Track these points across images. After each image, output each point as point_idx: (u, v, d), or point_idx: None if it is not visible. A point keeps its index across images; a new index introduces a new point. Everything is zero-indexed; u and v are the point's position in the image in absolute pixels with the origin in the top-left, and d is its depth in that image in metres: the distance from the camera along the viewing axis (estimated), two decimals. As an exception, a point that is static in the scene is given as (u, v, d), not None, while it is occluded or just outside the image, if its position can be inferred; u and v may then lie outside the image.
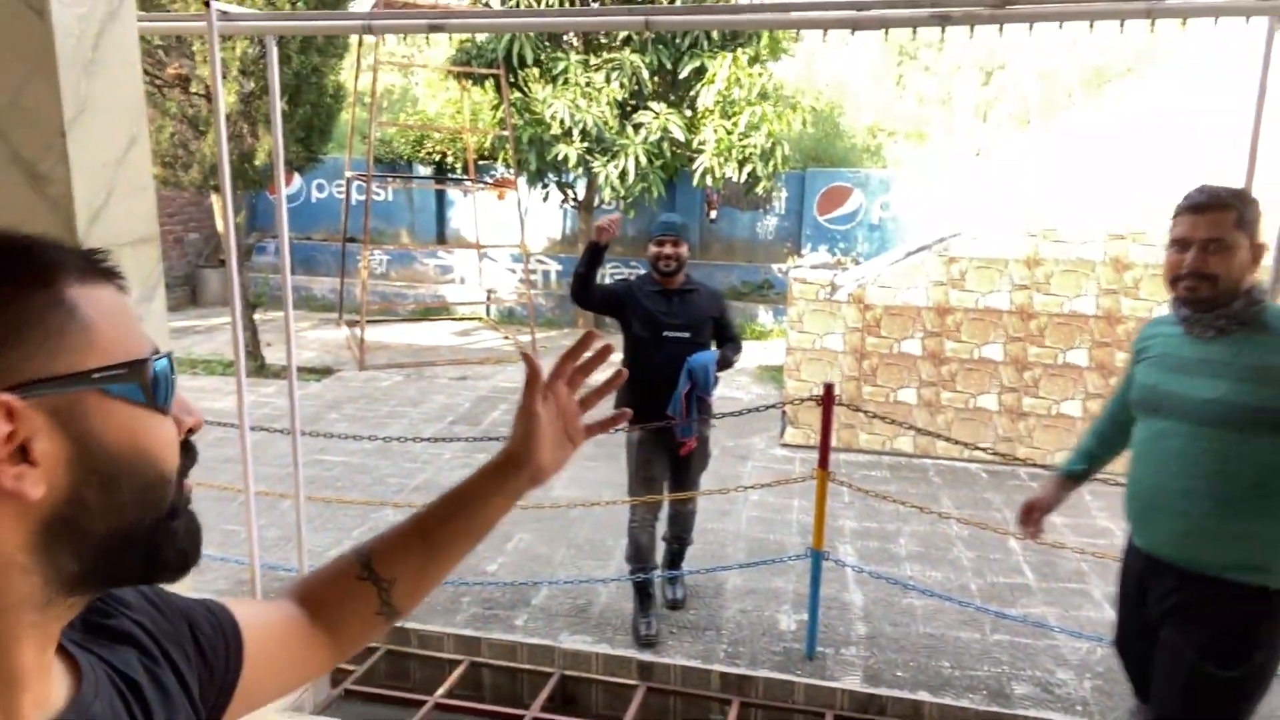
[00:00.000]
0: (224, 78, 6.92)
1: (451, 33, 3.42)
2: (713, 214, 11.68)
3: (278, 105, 3.54)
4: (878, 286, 6.58)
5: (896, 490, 5.87)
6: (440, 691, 3.89)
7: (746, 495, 5.73)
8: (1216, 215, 1.93)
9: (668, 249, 3.97)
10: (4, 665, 0.58)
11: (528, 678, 4.05)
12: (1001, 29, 3.04)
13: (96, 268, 0.62)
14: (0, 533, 0.55)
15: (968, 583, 4.76)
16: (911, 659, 4.04)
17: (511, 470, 0.96)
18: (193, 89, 7.14)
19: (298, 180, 13.14)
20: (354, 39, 8.63)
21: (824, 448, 3.84)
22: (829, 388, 3.79)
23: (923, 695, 3.78)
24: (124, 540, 0.60)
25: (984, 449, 4.71)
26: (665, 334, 3.93)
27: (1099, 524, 5.55)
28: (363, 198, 10.87)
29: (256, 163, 7.09)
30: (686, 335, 3.95)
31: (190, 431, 0.66)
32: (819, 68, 14.05)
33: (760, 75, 8.57)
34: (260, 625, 0.88)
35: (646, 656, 4.02)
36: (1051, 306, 6.31)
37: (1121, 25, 2.87)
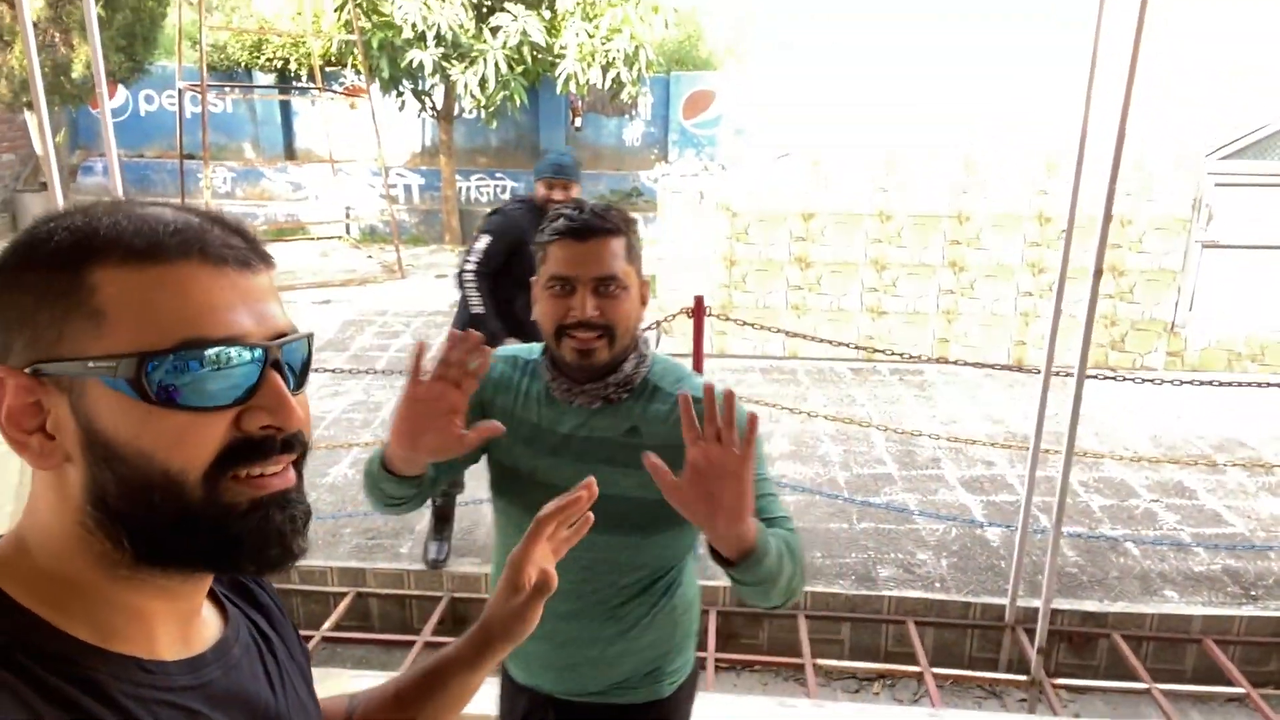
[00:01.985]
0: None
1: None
2: (577, 121, 11.44)
3: (93, 8, 3.19)
4: (746, 194, 6.64)
5: (769, 393, 6.08)
6: (327, 625, 3.85)
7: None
8: (608, 244, 1.42)
9: (557, 194, 3.59)
10: (128, 602, 0.62)
11: (416, 603, 4.06)
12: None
13: (158, 248, 0.58)
14: (60, 495, 0.60)
15: (835, 476, 5.02)
16: (787, 553, 4.26)
17: (495, 645, 0.92)
18: (-13, -9, 6.35)
19: (122, 92, 12.00)
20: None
21: (697, 357, 3.91)
22: (699, 300, 3.84)
23: (798, 586, 4.00)
24: (151, 531, 0.60)
25: (847, 344, 4.89)
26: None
27: (949, 410, 5.93)
28: (198, 110, 10.05)
29: (74, 75, 6.42)
30: None
31: (275, 430, 0.61)
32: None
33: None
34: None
35: (534, 572, 4.08)
36: (909, 209, 6.55)
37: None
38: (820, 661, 3.67)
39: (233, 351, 0.59)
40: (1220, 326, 6.57)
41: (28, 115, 7.48)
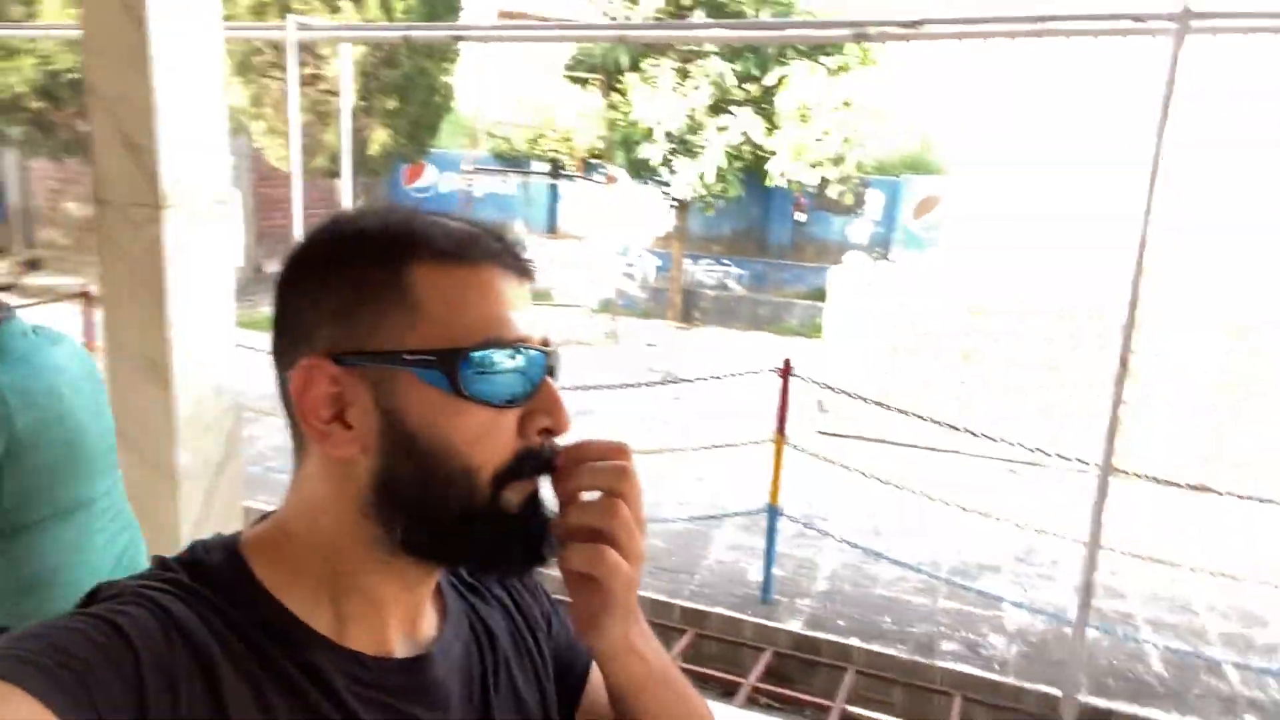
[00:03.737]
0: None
1: (500, 41, 4.15)
2: (800, 216, 12.07)
3: (349, 106, 4.37)
4: (916, 285, 6.89)
5: (916, 478, 6.18)
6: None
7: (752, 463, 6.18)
8: None
9: None
10: (370, 590, 0.64)
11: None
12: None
13: (465, 250, 0.62)
14: (342, 481, 0.63)
15: (940, 557, 5.09)
16: (858, 613, 4.46)
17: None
18: (321, 86, 8.25)
19: (432, 171, 14.39)
20: (462, 46, 9.61)
21: (781, 416, 4.32)
22: (787, 361, 4.28)
23: (854, 641, 4.20)
24: (434, 523, 0.62)
25: (1008, 442, 4.66)
26: None
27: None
28: (488, 190, 12.07)
29: (370, 153, 8.10)
30: None
31: (548, 434, 0.64)
32: (932, 78, 14.08)
33: (839, 85, 8.96)
34: (598, 690, 0.80)
35: (622, 587, 4.61)
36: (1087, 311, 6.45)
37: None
38: (849, 708, 3.85)
39: (523, 353, 0.62)
40: None
41: (336, 183, 9.40)
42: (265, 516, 0.68)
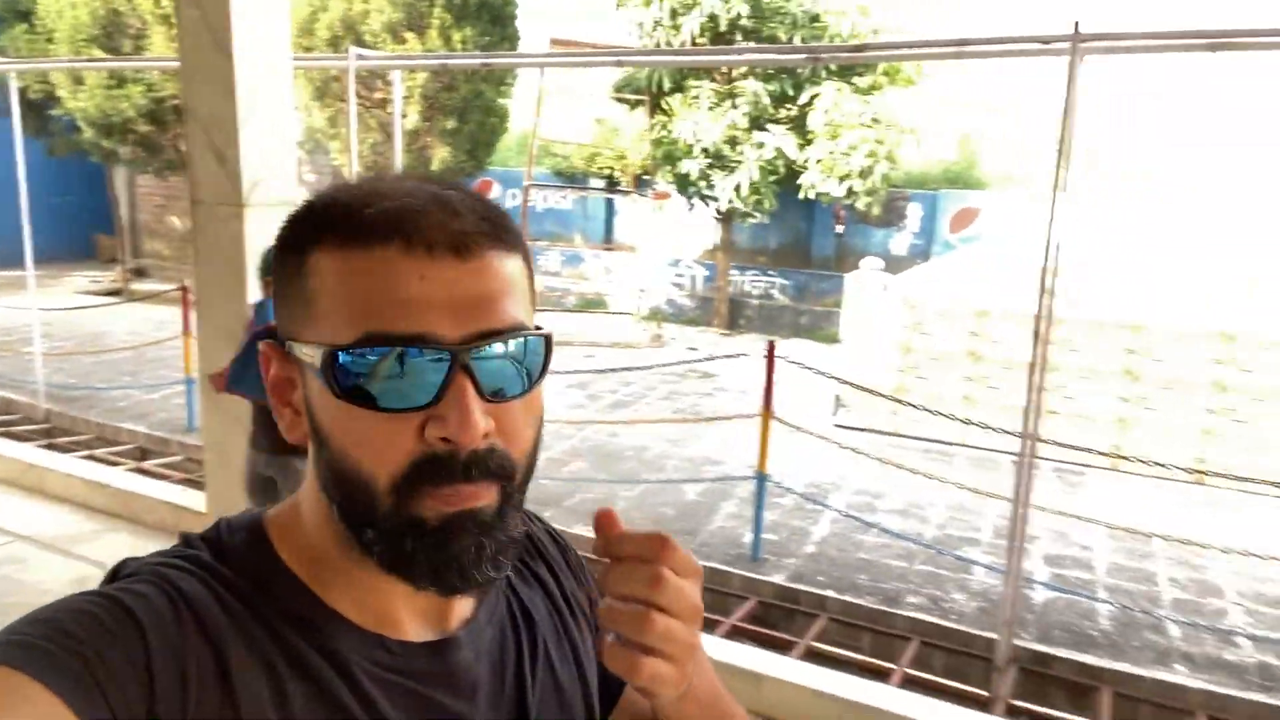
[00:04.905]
0: (409, 100, 8.87)
1: (525, 67, 4.86)
2: (839, 229, 12.55)
3: (399, 125, 5.11)
4: (925, 289, 7.35)
5: (918, 467, 6.63)
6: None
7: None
8: None
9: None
10: (369, 581, 0.60)
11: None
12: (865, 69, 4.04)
13: (366, 231, 0.55)
14: (313, 470, 0.61)
15: (926, 531, 5.55)
16: (838, 571, 4.98)
17: None
18: (389, 109, 9.15)
19: (496, 189, 15.29)
20: (520, 73, 10.46)
21: (767, 394, 4.89)
22: (771, 344, 4.86)
23: (829, 593, 4.72)
24: (349, 522, 0.58)
25: (1007, 432, 5.09)
26: None
27: (1097, 504, 6.06)
28: (548, 205, 12.92)
29: (431, 168, 8.94)
30: None
31: (454, 446, 0.55)
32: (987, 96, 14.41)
33: (867, 103, 9.47)
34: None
35: (629, 544, 5.22)
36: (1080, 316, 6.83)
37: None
38: (812, 644, 4.37)
39: (417, 352, 0.54)
40: None
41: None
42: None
